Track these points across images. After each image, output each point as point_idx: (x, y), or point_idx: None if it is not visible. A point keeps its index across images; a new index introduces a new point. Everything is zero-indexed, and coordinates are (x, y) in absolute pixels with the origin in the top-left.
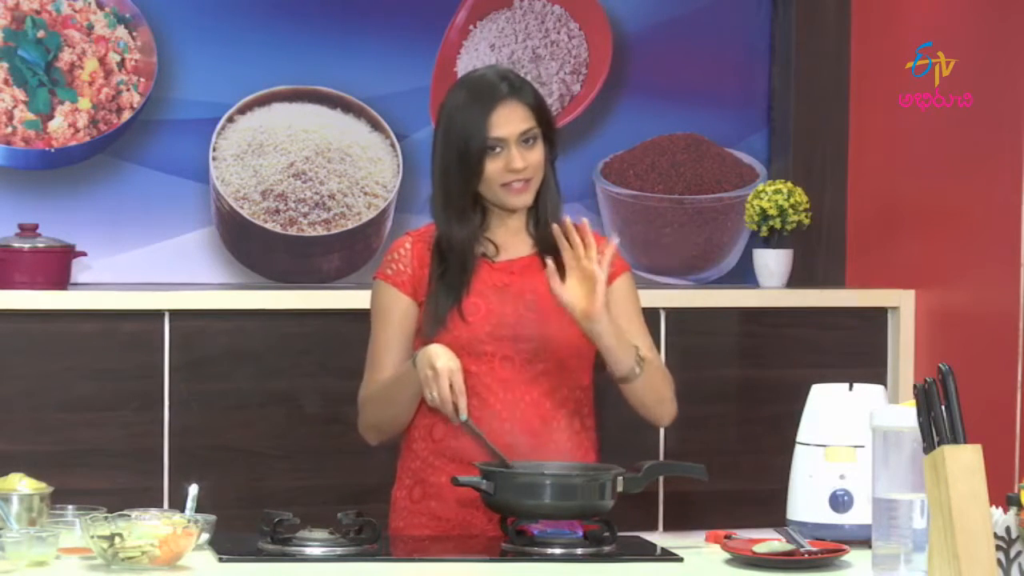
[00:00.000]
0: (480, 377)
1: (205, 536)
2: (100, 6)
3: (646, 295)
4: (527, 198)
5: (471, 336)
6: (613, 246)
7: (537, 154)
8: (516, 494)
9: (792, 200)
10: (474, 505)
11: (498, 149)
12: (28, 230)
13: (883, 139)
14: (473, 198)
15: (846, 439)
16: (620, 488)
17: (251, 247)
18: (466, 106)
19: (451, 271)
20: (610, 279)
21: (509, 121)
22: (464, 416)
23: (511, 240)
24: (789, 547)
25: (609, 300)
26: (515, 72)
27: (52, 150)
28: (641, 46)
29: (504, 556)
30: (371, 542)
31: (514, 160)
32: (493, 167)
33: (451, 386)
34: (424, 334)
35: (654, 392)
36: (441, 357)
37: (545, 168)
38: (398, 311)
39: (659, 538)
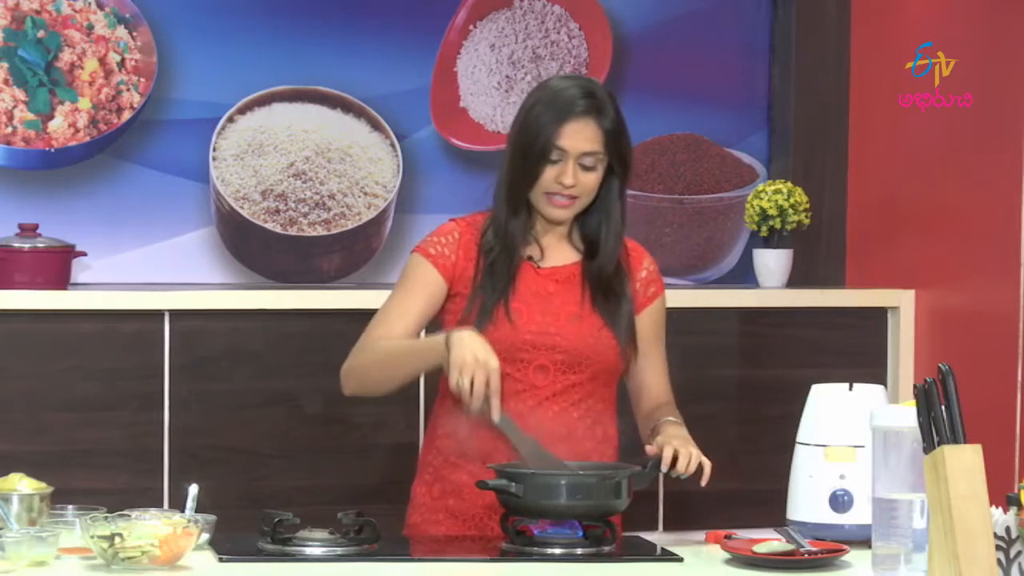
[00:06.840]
0: (512, 381)
1: (205, 536)
2: (100, 6)
3: None
4: (565, 214)
5: (513, 340)
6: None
7: (592, 179)
8: (545, 495)
9: (792, 200)
10: (494, 506)
11: (558, 159)
12: (28, 230)
13: (883, 139)
14: (527, 197)
15: (846, 439)
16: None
17: (251, 247)
18: (543, 109)
19: (499, 263)
20: (647, 302)
21: (577, 137)
22: (497, 417)
23: (555, 245)
24: (789, 547)
25: (640, 325)
26: (604, 91)
27: (52, 150)
28: (641, 46)
29: (504, 556)
30: (371, 542)
31: (566, 174)
32: (548, 174)
33: (487, 383)
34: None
35: None
36: (484, 349)
37: (610, 200)
38: (429, 286)
39: (659, 538)
